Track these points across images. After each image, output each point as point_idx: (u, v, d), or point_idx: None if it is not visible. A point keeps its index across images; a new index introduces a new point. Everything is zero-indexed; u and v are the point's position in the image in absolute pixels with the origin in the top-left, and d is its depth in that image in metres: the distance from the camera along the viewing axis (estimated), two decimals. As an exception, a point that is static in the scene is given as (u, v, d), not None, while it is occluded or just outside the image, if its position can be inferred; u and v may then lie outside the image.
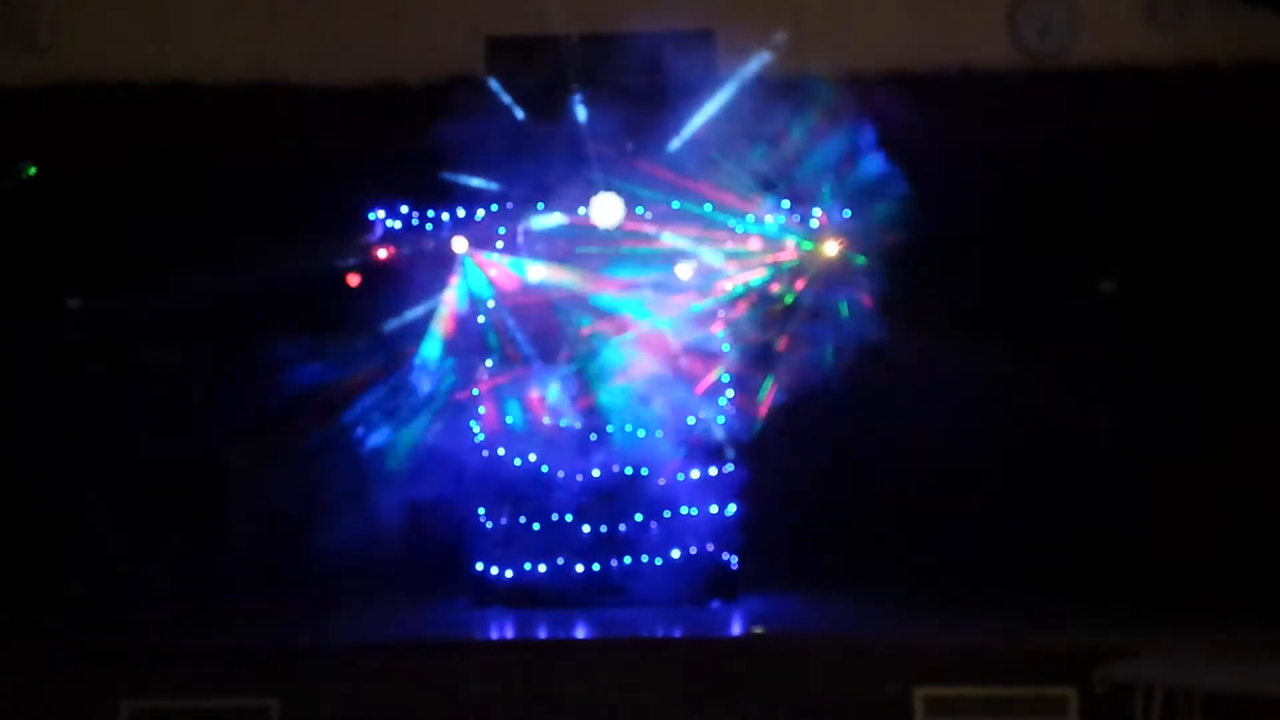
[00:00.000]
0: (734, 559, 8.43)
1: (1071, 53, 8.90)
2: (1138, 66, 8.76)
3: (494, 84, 8.53)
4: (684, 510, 8.40)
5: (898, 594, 8.33)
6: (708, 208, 8.54)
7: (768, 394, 8.62)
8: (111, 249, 8.98)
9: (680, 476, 8.42)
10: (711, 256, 8.61)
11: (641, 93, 8.31)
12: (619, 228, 8.47)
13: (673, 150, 8.41)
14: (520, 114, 8.44)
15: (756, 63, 8.39)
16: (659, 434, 8.48)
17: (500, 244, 8.66)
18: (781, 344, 8.67)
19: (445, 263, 8.66)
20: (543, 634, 7.62)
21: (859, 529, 8.77)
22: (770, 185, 8.46)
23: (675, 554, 8.36)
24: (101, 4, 9.09)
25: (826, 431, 8.85)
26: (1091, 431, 8.80)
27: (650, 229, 8.54)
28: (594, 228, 8.46)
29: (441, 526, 8.61)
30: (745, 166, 8.42)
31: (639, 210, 8.52)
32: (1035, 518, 8.70)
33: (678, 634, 7.53)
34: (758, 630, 7.55)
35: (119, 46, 8.95)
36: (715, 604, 8.29)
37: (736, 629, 7.83)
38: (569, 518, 8.39)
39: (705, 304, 8.65)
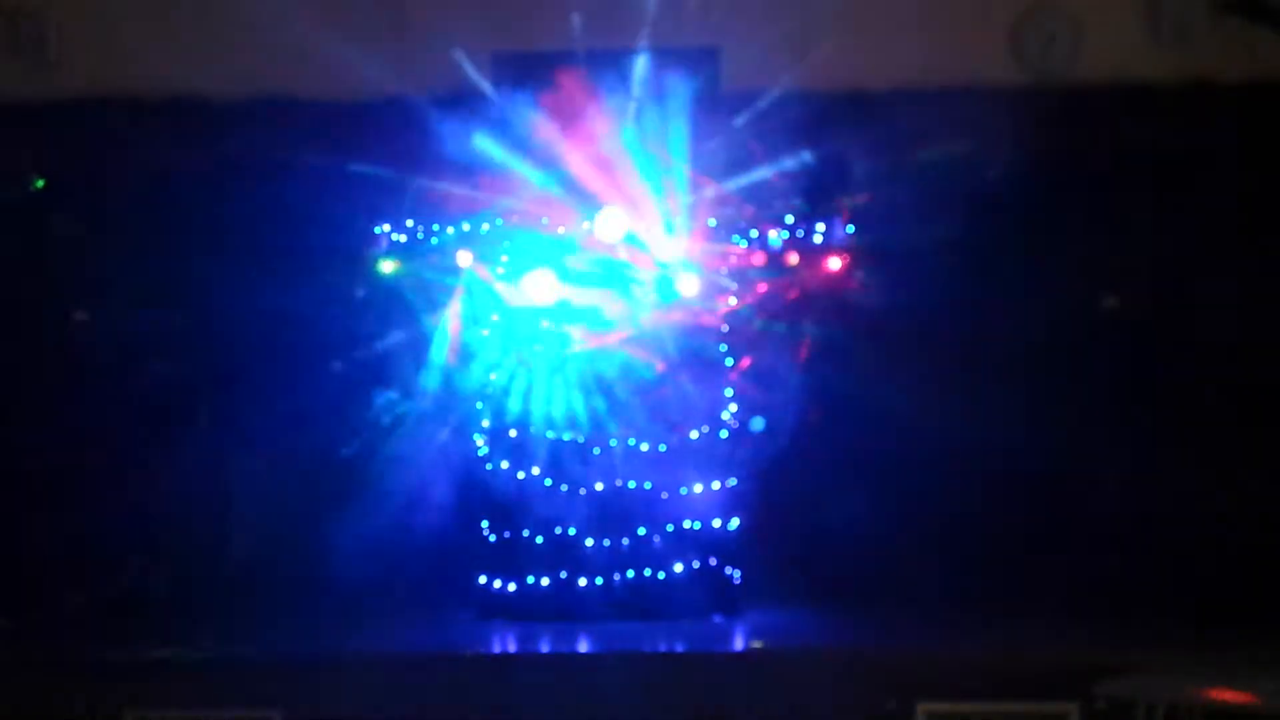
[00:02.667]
0: (737, 573, 8.42)
1: (1074, 70, 8.92)
2: (1140, 84, 8.79)
3: (499, 99, 8.57)
4: (687, 524, 8.40)
5: (899, 608, 8.31)
6: (712, 222, 8.57)
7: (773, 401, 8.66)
8: (118, 263, 9.00)
9: (683, 491, 8.42)
10: (715, 272, 8.64)
11: (644, 107, 8.35)
12: (622, 242, 8.50)
13: (677, 166, 8.43)
14: (525, 129, 8.47)
15: (761, 80, 8.43)
16: (662, 448, 8.49)
17: (504, 258, 8.69)
18: (784, 357, 8.70)
19: (450, 276, 8.71)
20: (545, 647, 7.62)
21: (861, 544, 8.75)
22: (772, 202, 8.49)
23: (678, 568, 8.35)
24: (110, 19, 9.15)
25: (828, 446, 8.85)
26: (1094, 446, 8.79)
27: (654, 243, 8.56)
28: (597, 242, 8.49)
29: (445, 539, 8.61)
30: (746, 183, 8.46)
31: (642, 224, 8.55)
32: (1038, 531, 8.68)
33: (680, 648, 7.53)
34: (756, 644, 7.53)
35: (127, 62, 9.00)
36: (718, 618, 8.28)
37: (739, 643, 7.82)
38: (572, 531, 8.39)
39: (709, 318, 8.66)
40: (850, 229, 8.57)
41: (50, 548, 8.77)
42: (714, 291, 8.65)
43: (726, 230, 8.61)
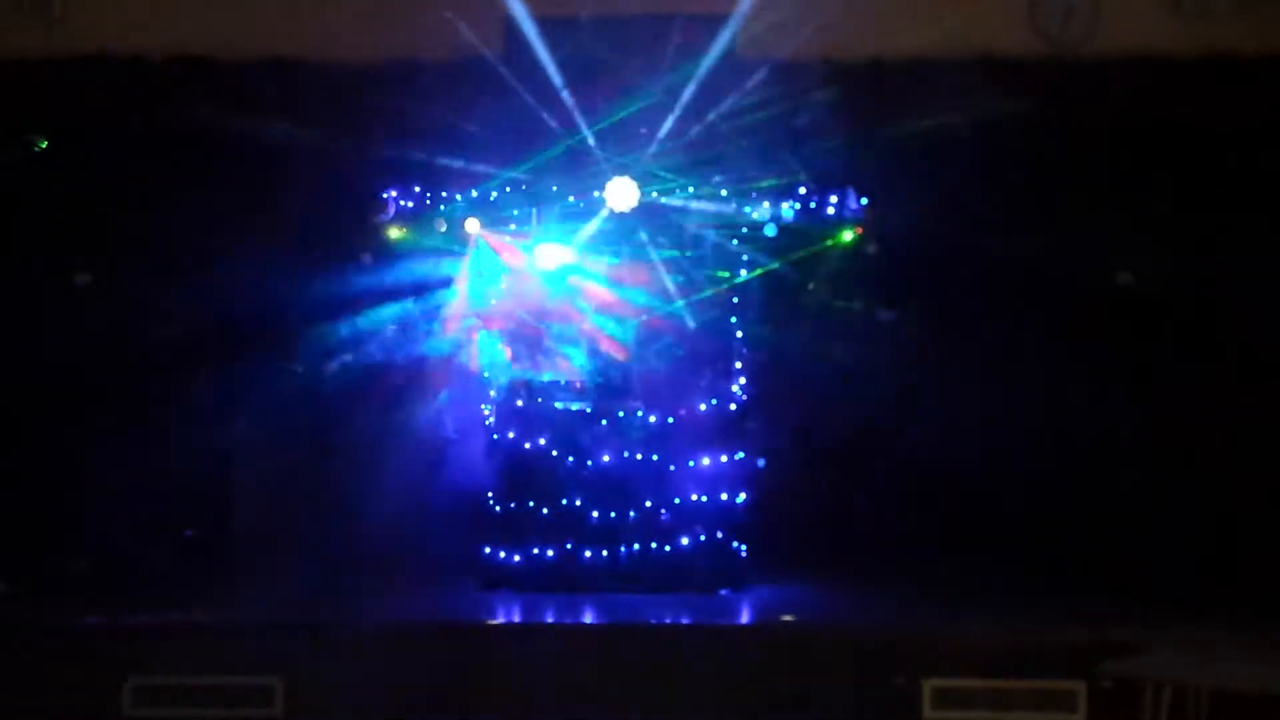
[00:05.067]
0: (743, 547, 8.38)
1: (1093, 42, 8.83)
2: (1159, 56, 8.69)
3: (510, 65, 8.48)
4: (694, 497, 8.35)
5: (907, 585, 8.29)
6: (724, 193, 8.50)
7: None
8: (121, 224, 8.93)
9: (691, 463, 8.37)
10: (726, 242, 8.58)
11: (658, 77, 8.27)
12: (633, 212, 8.43)
13: (689, 135, 8.36)
14: (537, 95, 8.38)
15: (774, 49, 8.35)
16: (670, 420, 8.44)
17: (513, 226, 8.63)
18: (794, 330, 8.66)
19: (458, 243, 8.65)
20: (550, 618, 7.59)
21: (868, 519, 8.73)
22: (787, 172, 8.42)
23: (684, 541, 8.32)
24: (114, -24, 9.04)
25: (838, 421, 8.81)
26: (1102, 425, 8.74)
27: (665, 213, 8.50)
28: (609, 211, 8.42)
29: (450, 508, 8.58)
30: (762, 153, 8.38)
31: (654, 194, 8.49)
32: (1045, 510, 8.65)
33: (685, 621, 7.49)
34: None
35: (131, 20, 8.90)
36: (724, 592, 8.25)
37: (745, 617, 7.79)
38: (578, 502, 8.35)
39: (717, 289, 8.60)
40: (864, 201, 8.50)
41: (52, 513, 8.74)
42: (725, 262, 8.60)
43: (740, 200, 8.54)
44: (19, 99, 8.78)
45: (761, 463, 8.45)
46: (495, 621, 7.62)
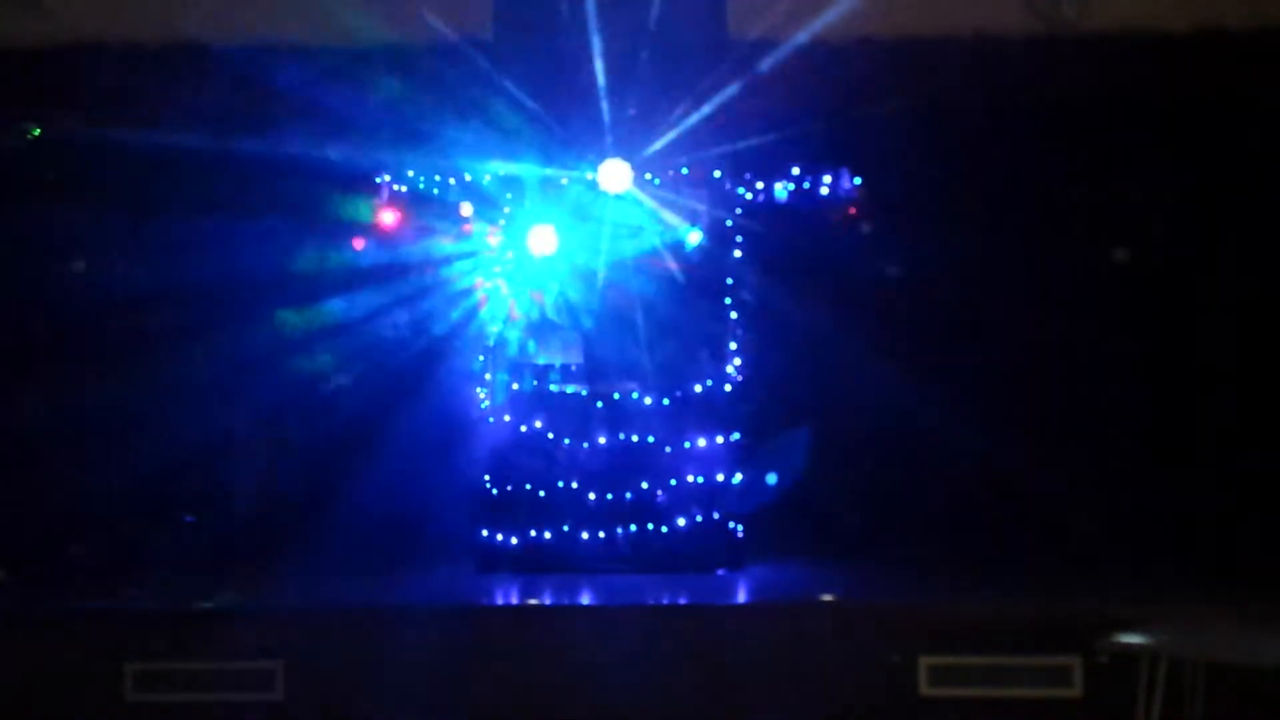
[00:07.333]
0: (740, 527, 8.40)
1: (1086, 18, 8.81)
2: (1151, 32, 8.68)
3: (502, 46, 8.48)
4: (690, 478, 8.37)
5: (903, 562, 8.31)
6: (717, 174, 8.51)
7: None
8: (116, 212, 8.94)
9: (687, 444, 8.39)
10: (720, 223, 8.58)
11: (649, 55, 8.26)
12: (627, 193, 8.43)
13: (682, 115, 8.36)
14: (528, 77, 8.38)
15: (768, 27, 8.34)
16: (666, 401, 8.45)
17: (506, 209, 8.63)
18: (789, 311, 8.67)
19: (452, 226, 8.66)
20: (548, 600, 7.61)
21: (865, 498, 8.75)
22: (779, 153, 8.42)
23: (681, 522, 8.34)
24: (105, -37, 9.03)
25: (833, 399, 8.82)
26: (1098, 403, 8.75)
27: (658, 195, 8.50)
28: (602, 192, 8.43)
29: (447, 491, 8.60)
30: (755, 133, 8.38)
31: (647, 176, 8.49)
32: (1040, 486, 8.67)
33: (683, 601, 7.52)
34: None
35: (124, 7, 8.89)
36: (721, 572, 8.27)
37: (742, 597, 7.82)
38: (575, 484, 8.36)
39: (713, 271, 8.61)
40: (857, 180, 8.49)
41: (51, 500, 8.77)
42: (719, 244, 8.60)
43: (732, 181, 8.55)
44: (12, 88, 8.78)
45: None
46: (494, 604, 7.65)
